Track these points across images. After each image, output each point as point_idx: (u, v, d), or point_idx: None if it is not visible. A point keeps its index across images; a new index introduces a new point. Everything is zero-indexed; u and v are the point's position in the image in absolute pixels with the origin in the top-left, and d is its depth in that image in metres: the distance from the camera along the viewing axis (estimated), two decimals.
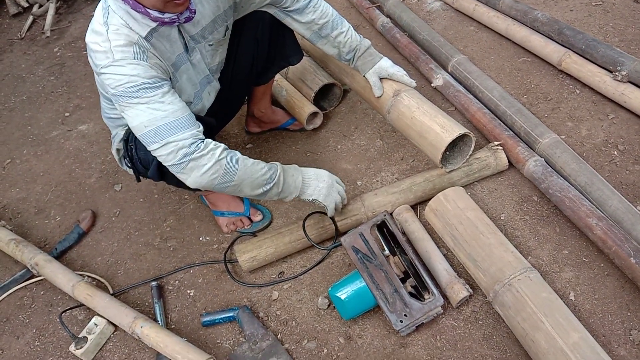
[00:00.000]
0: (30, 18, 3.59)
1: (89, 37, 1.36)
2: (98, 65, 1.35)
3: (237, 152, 1.46)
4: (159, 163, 1.45)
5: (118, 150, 1.75)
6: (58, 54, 3.25)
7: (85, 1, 3.75)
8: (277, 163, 1.56)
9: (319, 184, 1.61)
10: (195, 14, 1.43)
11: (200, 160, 1.37)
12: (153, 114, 1.34)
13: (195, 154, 1.36)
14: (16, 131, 2.69)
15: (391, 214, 1.76)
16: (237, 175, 1.43)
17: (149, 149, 1.40)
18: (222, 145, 1.42)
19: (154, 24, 1.37)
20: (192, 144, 1.36)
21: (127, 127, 1.64)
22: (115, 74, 1.33)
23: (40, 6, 3.64)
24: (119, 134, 1.71)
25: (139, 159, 1.59)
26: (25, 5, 3.72)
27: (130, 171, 1.78)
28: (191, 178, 1.40)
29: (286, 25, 1.77)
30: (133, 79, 1.32)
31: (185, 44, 1.51)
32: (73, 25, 3.52)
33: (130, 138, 1.61)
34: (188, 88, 1.58)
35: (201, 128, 1.42)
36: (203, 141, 1.39)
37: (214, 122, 1.67)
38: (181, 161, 1.37)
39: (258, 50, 1.84)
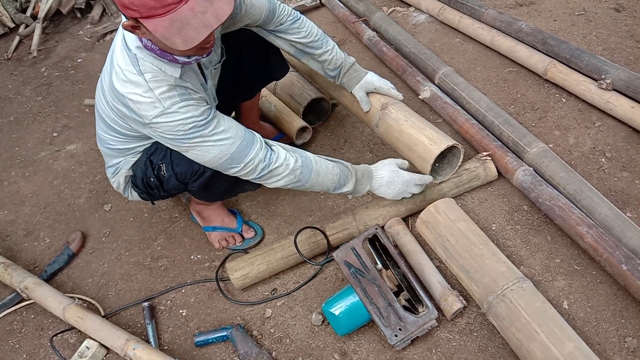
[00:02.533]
0: (17, 38, 3.58)
1: (126, 88, 1.33)
2: (146, 117, 1.33)
3: (312, 159, 1.54)
4: (208, 178, 1.56)
5: (126, 177, 1.72)
6: (45, 73, 3.23)
7: (72, 21, 3.74)
8: (351, 168, 1.63)
9: (387, 190, 1.68)
10: (213, 47, 1.43)
11: (277, 171, 1.48)
12: (222, 145, 1.39)
13: (272, 167, 1.46)
14: (4, 152, 2.66)
15: (382, 227, 1.76)
16: (309, 182, 1.55)
17: (227, 172, 1.47)
18: (295, 152, 1.52)
19: (180, 64, 1.37)
20: (266, 156, 1.45)
21: (144, 151, 1.62)
22: (169, 122, 1.33)
23: (27, 26, 3.62)
24: (127, 161, 1.67)
25: (175, 174, 1.58)
26: (12, 25, 3.71)
27: (134, 195, 1.76)
28: (269, 183, 1.52)
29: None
30: (189, 121, 1.33)
31: (202, 72, 1.53)
32: (60, 44, 3.51)
33: (156, 157, 1.59)
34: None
35: (257, 134, 1.48)
36: (271, 149, 1.48)
37: None
38: (260, 175, 1.47)
39: (242, 65, 1.84)
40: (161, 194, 1.67)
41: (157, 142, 1.55)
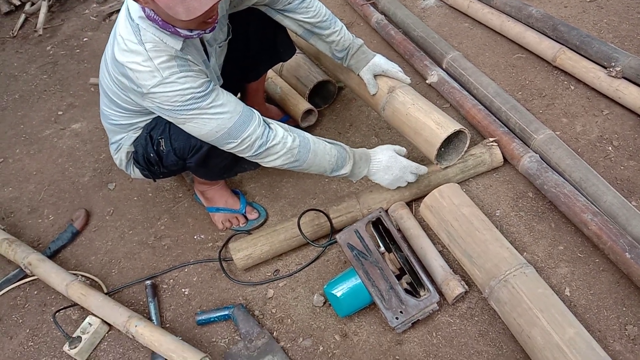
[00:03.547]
0: (23, 16, 3.56)
1: (125, 57, 1.33)
2: (144, 86, 1.33)
3: (310, 139, 1.53)
4: (208, 150, 1.54)
5: (128, 153, 1.72)
6: (51, 52, 3.22)
7: None
8: (349, 150, 1.62)
9: (384, 175, 1.66)
10: (217, 22, 1.42)
11: (274, 149, 1.46)
12: (220, 118, 1.38)
13: (269, 144, 1.45)
14: (9, 130, 2.66)
15: (386, 210, 1.75)
16: (306, 163, 1.53)
17: (224, 148, 1.46)
18: (293, 131, 1.51)
19: (182, 38, 1.36)
20: (264, 133, 1.44)
21: (144, 126, 1.62)
22: (168, 92, 1.32)
23: (33, 4, 3.61)
24: (129, 137, 1.67)
25: (174, 149, 1.57)
26: (18, 3, 3.69)
27: (136, 173, 1.77)
28: (265, 162, 1.51)
29: (277, 21, 1.76)
30: (187, 92, 1.33)
31: (205, 49, 1.52)
32: (66, 23, 3.49)
33: (156, 132, 1.59)
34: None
35: (255, 111, 1.47)
36: (268, 126, 1.47)
37: None
38: (257, 151, 1.46)
39: (249, 46, 1.83)
40: (161, 170, 1.68)
41: (157, 117, 1.55)
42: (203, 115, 1.37)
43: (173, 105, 1.34)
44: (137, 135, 1.65)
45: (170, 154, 1.59)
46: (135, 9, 1.32)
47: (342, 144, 1.63)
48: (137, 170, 1.75)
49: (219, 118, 1.38)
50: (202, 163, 1.61)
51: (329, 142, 1.59)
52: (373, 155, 1.67)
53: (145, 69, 1.31)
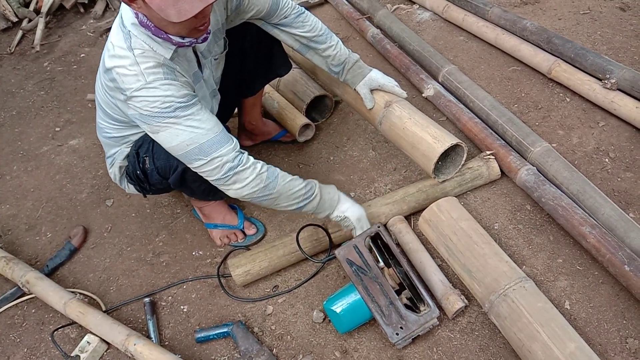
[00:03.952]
0: (20, 33, 3.58)
1: (113, 62, 1.34)
2: (128, 89, 1.33)
3: (277, 169, 1.50)
4: (183, 171, 1.50)
5: (120, 167, 1.73)
6: (48, 68, 3.23)
7: (75, 15, 3.74)
8: (315, 181, 1.59)
9: (353, 206, 1.62)
10: (210, 34, 1.43)
11: (243, 174, 1.41)
12: (194, 132, 1.36)
13: (239, 168, 1.40)
14: (6, 147, 2.66)
15: (385, 225, 1.76)
16: (276, 190, 1.47)
17: (190, 166, 1.42)
18: (262, 161, 1.47)
19: (174, 47, 1.37)
20: (235, 157, 1.40)
21: (134, 142, 1.63)
22: (149, 96, 1.32)
23: (30, 20, 3.62)
24: (122, 151, 1.68)
25: (157, 168, 1.58)
26: (15, 19, 3.70)
27: (130, 188, 1.77)
28: (233, 190, 1.44)
29: (273, 36, 1.77)
30: (168, 99, 1.32)
31: (198, 61, 1.53)
32: (63, 39, 3.50)
33: (142, 149, 1.59)
34: (203, 104, 1.58)
35: (236, 140, 1.44)
36: (243, 154, 1.43)
37: (228, 127, 1.70)
38: (226, 175, 1.40)
39: (245, 61, 1.84)
40: (149, 187, 1.68)
41: (144, 135, 1.55)
42: (178, 125, 1.35)
43: (151, 111, 1.33)
44: (129, 150, 1.66)
45: (153, 172, 1.59)
46: (129, 16, 1.34)
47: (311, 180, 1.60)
48: (130, 185, 1.76)
49: (193, 132, 1.36)
50: (181, 184, 1.60)
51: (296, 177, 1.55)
52: (343, 194, 1.65)
53: (130, 72, 1.32)
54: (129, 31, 1.33)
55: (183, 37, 1.34)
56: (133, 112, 1.37)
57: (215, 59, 1.62)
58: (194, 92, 1.46)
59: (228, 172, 1.40)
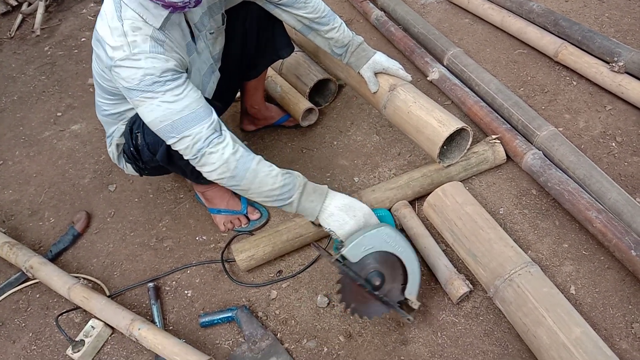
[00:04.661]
0: (20, 17, 3.54)
1: (102, 31, 1.34)
2: (112, 59, 1.32)
3: (255, 158, 1.39)
4: (168, 147, 1.44)
5: (118, 145, 1.73)
6: (48, 52, 3.20)
7: None
8: (301, 181, 1.43)
9: (345, 217, 1.40)
10: None
11: (210, 158, 1.35)
12: (169, 108, 1.33)
13: (208, 149, 1.34)
14: (8, 132, 2.65)
15: (389, 210, 1.74)
16: (244, 182, 1.38)
17: (167, 143, 1.39)
18: (238, 145, 1.38)
19: (166, 12, 1.35)
20: (207, 138, 1.34)
21: (130, 118, 1.62)
22: (131, 67, 1.31)
23: (30, 4, 3.58)
24: (119, 128, 1.68)
25: (147, 144, 1.56)
26: (14, 3, 3.66)
27: (128, 168, 1.76)
28: (204, 172, 1.39)
29: (275, 17, 1.75)
30: (149, 72, 1.30)
31: (191, 31, 1.51)
32: (63, 23, 3.47)
33: (135, 125, 1.58)
34: (197, 78, 1.58)
35: (214, 116, 1.38)
36: (220, 134, 1.36)
37: (220, 106, 1.65)
38: (195, 156, 1.36)
39: (246, 42, 1.81)
40: (144, 166, 1.67)
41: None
42: (154, 100, 1.32)
43: (131, 82, 1.32)
44: (123, 127, 1.66)
45: (144, 149, 1.57)
46: None
47: (299, 174, 1.45)
48: (129, 165, 1.75)
49: (167, 108, 1.33)
50: (169, 161, 1.55)
51: (283, 171, 1.41)
52: (332, 192, 1.45)
53: (117, 42, 1.31)
54: (120, 0, 1.32)
55: None
56: (118, 79, 1.35)
57: (211, 33, 1.59)
58: (184, 66, 1.43)
59: (197, 154, 1.35)
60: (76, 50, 3.16)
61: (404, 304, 1.44)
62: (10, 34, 3.46)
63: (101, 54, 1.37)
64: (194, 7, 1.38)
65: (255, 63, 1.94)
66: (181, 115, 1.33)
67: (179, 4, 1.33)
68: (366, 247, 1.36)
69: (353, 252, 1.35)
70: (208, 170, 1.37)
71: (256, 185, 1.39)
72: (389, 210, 1.74)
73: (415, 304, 1.42)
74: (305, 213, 1.44)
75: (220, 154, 1.35)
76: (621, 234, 1.45)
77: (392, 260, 1.39)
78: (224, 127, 1.40)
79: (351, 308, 1.41)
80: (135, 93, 1.33)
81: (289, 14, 1.70)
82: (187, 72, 1.46)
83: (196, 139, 1.34)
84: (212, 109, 1.40)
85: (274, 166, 1.41)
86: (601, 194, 1.58)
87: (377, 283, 1.39)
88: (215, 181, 1.40)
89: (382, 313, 1.44)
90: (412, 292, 1.41)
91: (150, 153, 1.57)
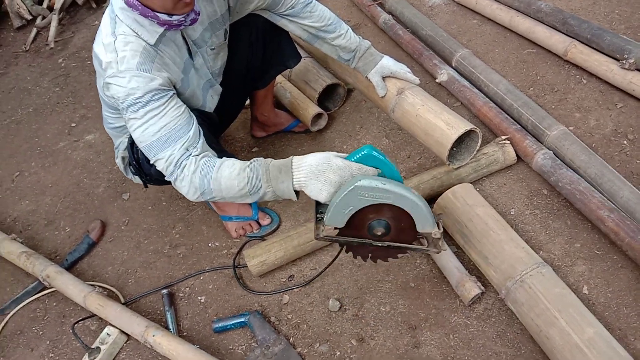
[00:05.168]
0: (34, 30, 3.61)
1: (97, 48, 1.38)
2: (105, 75, 1.36)
3: (214, 166, 1.34)
4: None
5: (123, 158, 1.76)
6: (62, 64, 3.26)
7: (88, 11, 3.76)
8: (263, 167, 1.33)
9: (317, 184, 1.27)
10: (199, 15, 1.43)
11: (181, 182, 1.37)
12: (147, 130, 1.35)
13: (177, 173, 1.36)
14: (24, 144, 2.70)
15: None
16: (215, 193, 1.36)
17: (151, 161, 1.42)
18: (199, 158, 1.36)
19: (161, 29, 1.37)
20: (178, 160, 1.35)
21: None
22: (117, 85, 1.34)
23: (44, 18, 3.65)
24: (123, 142, 1.71)
25: (146, 159, 1.57)
26: (29, 17, 3.74)
27: (136, 179, 1.79)
28: (183, 192, 1.40)
29: (281, 28, 1.76)
30: (132, 92, 1.32)
31: (189, 48, 1.52)
32: (76, 35, 3.53)
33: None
34: (194, 93, 1.59)
35: (191, 131, 1.37)
36: (187, 158, 1.35)
37: (216, 118, 1.69)
38: (171, 177, 1.39)
39: (253, 54, 1.83)
40: (147, 177, 1.69)
41: None
42: (136, 121, 1.35)
43: (117, 99, 1.35)
44: (126, 140, 1.68)
45: (144, 162, 1.59)
46: (118, 1, 1.35)
47: (259, 160, 1.35)
48: (136, 177, 1.77)
49: (145, 130, 1.34)
50: (164, 176, 1.52)
51: (244, 164, 1.34)
52: (296, 162, 1.30)
53: (108, 58, 1.34)
54: (116, 16, 1.35)
55: (170, 15, 1.34)
56: (110, 95, 1.38)
57: (212, 49, 1.60)
58: (173, 84, 1.42)
59: (170, 177, 1.38)
60: (89, 62, 3.21)
61: (425, 238, 1.36)
62: (25, 47, 3.53)
63: (98, 69, 1.41)
64: (190, 25, 1.40)
65: (263, 74, 1.96)
66: (158, 136, 1.35)
67: (175, 22, 1.35)
68: (345, 210, 1.26)
69: (335, 220, 1.28)
70: (184, 193, 1.39)
71: (226, 191, 1.35)
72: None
73: (437, 233, 1.30)
74: (285, 196, 1.34)
75: (185, 175, 1.36)
76: (634, 232, 1.43)
77: (384, 206, 1.27)
78: (199, 141, 1.39)
79: (370, 257, 1.41)
80: (122, 110, 1.37)
81: (295, 24, 1.72)
82: (175, 88, 1.45)
83: (169, 162, 1.36)
84: (193, 120, 1.40)
85: (237, 163, 1.35)
86: (613, 193, 1.57)
87: (380, 233, 1.31)
88: (196, 201, 1.42)
89: (401, 255, 1.39)
90: (424, 226, 1.29)
91: (149, 166, 1.60)
